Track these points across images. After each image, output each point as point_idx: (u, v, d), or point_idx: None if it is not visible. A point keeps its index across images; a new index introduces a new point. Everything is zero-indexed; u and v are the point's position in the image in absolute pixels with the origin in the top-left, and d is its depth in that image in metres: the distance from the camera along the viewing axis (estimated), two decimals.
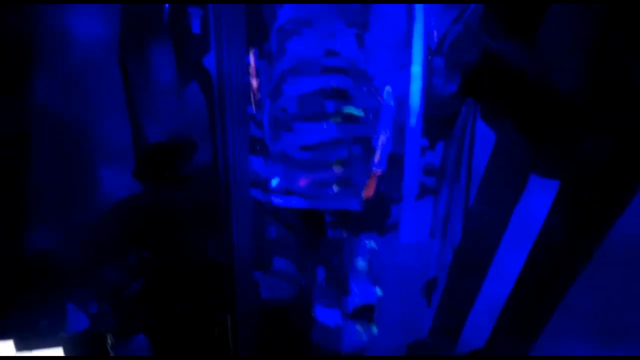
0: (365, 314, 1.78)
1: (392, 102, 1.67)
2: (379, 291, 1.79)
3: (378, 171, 1.70)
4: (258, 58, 1.75)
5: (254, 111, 1.74)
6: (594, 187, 1.52)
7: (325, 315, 1.80)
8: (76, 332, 1.51)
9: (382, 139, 1.68)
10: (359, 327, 1.78)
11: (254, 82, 1.73)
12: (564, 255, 1.61)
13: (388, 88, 1.67)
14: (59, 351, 1.57)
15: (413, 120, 1.63)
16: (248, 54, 1.69)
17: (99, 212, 1.52)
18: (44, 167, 1.53)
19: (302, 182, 1.74)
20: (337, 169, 1.71)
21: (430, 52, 1.63)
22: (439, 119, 1.70)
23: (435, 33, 1.67)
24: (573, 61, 1.39)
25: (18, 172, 1.51)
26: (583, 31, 1.38)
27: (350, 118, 1.67)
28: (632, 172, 1.50)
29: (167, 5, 1.41)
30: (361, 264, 1.79)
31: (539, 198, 1.65)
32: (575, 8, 1.37)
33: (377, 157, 1.69)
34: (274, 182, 1.74)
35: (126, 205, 1.52)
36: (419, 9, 1.58)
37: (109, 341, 1.49)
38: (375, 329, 1.80)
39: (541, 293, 1.65)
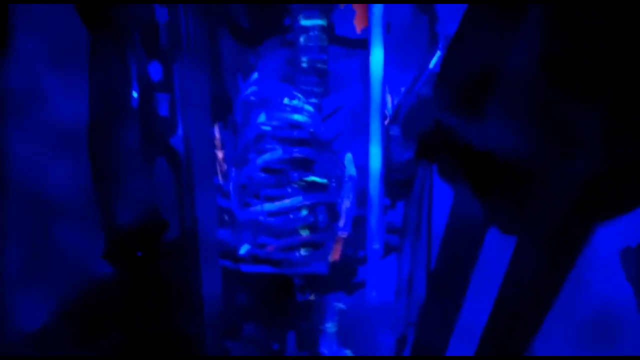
0: None
1: (353, 169, 1.75)
2: (349, 353, 1.81)
3: (343, 234, 1.75)
4: (222, 129, 1.82)
5: (221, 182, 1.78)
6: (546, 238, 1.59)
7: None
8: None
9: (345, 203, 1.74)
10: None
11: (220, 154, 1.79)
12: (526, 306, 1.67)
13: (349, 155, 1.75)
14: None
15: (374, 185, 1.71)
16: (213, 127, 1.75)
17: (78, 295, 1.50)
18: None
19: (270, 248, 1.78)
20: (304, 234, 1.76)
21: (386, 120, 1.73)
22: (398, 182, 1.78)
23: (389, 99, 1.77)
24: (521, 130, 1.48)
25: None
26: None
27: (315, 186, 1.74)
28: (584, 220, 1.58)
29: (136, 91, 1.47)
30: (330, 326, 1.82)
31: (498, 254, 1.71)
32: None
33: (342, 222, 1.74)
34: (243, 249, 1.77)
35: (98, 288, 1.52)
36: (374, 79, 1.67)
37: None
38: None
39: (506, 346, 1.70)
